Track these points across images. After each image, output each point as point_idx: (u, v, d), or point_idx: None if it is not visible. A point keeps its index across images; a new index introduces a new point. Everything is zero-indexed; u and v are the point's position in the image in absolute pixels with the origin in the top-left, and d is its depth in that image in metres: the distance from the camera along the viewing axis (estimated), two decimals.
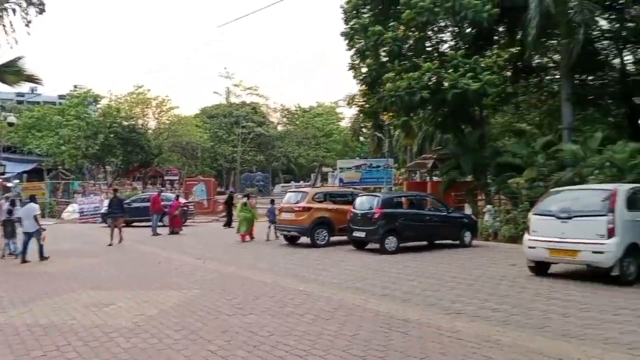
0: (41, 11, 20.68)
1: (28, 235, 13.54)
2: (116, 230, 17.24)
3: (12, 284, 10.39)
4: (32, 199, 14.54)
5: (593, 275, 9.52)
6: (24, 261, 13.42)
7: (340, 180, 28.47)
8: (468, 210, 19.57)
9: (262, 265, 12.31)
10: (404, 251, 13.97)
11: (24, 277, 11.28)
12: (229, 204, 24.15)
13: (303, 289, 9.17)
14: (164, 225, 21.25)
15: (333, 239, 15.87)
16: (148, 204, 22.08)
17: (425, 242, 15.20)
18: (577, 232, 9.29)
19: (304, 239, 16.08)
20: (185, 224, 23.63)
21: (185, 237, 19.86)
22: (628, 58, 22.00)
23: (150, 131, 49.41)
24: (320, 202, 16.32)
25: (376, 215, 13.84)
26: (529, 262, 10.34)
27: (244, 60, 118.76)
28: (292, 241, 16.61)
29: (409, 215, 14.57)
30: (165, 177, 47.95)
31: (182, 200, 24.74)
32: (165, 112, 50.93)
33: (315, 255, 13.69)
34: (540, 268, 10.25)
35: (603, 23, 21.30)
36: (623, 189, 9.72)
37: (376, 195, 15.20)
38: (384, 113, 23.47)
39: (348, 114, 61.52)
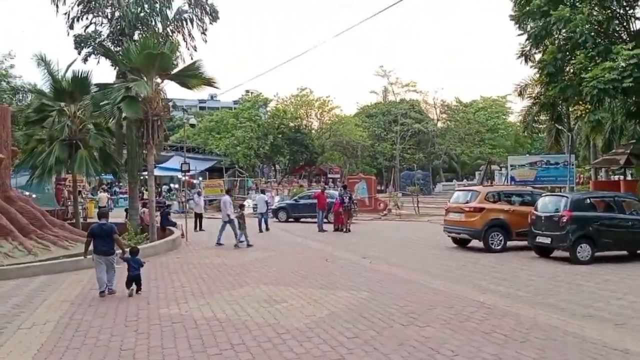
0: (215, 19, 22.27)
1: (261, 215, 21.03)
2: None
3: (194, 275, 11.05)
4: (262, 192, 26.65)
5: None
6: (265, 230, 20.66)
7: (512, 178, 25.95)
8: None
9: (431, 269, 11.42)
10: (600, 261, 11.92)
11: (204, 268, 11.97)
12: None
13: (484, 301, 8.11)
14: (328, 222, 21.54)
15: (510, 243, 14.31)
16: (314, 200, 22.65)
17: (625, 252, 12.87)
18: None
19: (475, 243, 14.82)
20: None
21: (349, 234, 19.74)
22: None
23: (313, 131, 51.49)
24: (493, 202, 14.86)
25: (565, 219, 12.01)
26: None
27: (403, 56, 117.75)
28: (461, 244, 15.40)
29: (605, 220, 12.40)
30: (328, 176, 49.38)
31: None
32: (327, 112, 52.63)
33: (491, 261, 12.36)
34: None
35: None
36: None
37: (564, 196, 13.23)
38: (579, 103, 20.20)
39: (517, 108, 56.95)
